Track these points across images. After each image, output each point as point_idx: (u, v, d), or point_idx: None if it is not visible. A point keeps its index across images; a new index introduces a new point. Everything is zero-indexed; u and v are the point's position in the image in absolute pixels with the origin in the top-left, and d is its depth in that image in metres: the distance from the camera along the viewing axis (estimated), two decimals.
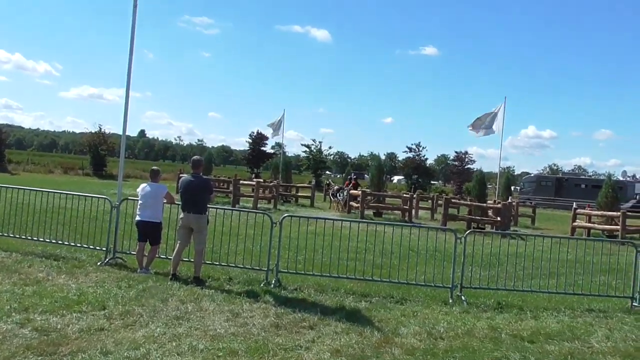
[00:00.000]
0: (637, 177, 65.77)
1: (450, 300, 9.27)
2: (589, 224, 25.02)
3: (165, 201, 10.09)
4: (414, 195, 30.42)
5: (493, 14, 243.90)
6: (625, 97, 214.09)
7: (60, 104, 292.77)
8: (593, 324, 8.41)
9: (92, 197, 11.89)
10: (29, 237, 11.09)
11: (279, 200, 30.22)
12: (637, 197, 54.87)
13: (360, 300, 8.82)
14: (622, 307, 9.63)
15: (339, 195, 29.71)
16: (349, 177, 33.58)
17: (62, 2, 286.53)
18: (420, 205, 31.35)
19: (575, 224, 24.72)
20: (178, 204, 9.66)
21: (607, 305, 9.69)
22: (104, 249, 10.42)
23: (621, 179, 60.05)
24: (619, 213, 23.25)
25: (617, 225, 22.86)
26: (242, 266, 10.15)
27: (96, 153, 55.26)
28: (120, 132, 11.25)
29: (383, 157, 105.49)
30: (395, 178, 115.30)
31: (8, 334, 6.02)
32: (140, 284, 8.67)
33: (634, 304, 9.66)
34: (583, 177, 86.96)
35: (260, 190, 28.51)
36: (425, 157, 77.32)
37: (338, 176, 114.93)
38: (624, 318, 8.89)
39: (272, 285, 9.31)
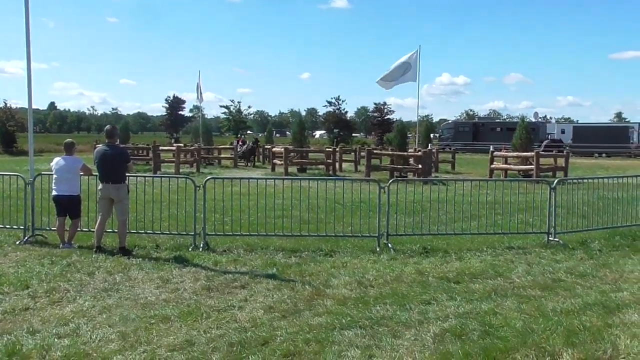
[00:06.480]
0: (548, 118, 68.71)
1: (378, 249, 9.46)
2: (506, 166, 26.13)
3: (82, 174, 9.77)
4: (337, 149, 30.71)
5: None
6: (532, 40, 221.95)
7: None
8: (513, 260, 8.79)
9: (2, 174, 11.34)
10: None
11: (202, 163, 29.85)
12: (549, 137, 57.60)
13: (290, 257, 8.87)
14: (540, 242, 10.09)
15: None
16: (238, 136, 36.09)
17: None
18: (343, 159, 31.71)
19: (493, 166, 25.72)
20: (96, 175, 9.36)
21: (526, 241, 10.14)
22: (22, 227, 10.02)
23: (533, 120, 62.67)
24: (533, 153, 24.32)
25: (532, 165, 23.93)
26: (168, 232, 10.02)
27: (4, 130, 52.50)
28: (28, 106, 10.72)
29: (304, 113, 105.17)
30: (317, 133, 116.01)
31: None
32: (64, 259, 8.41)
33: (549, 238, 10.16)
34: (498, 120, 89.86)
35: (182, 155, 28.06)
36: (345, 110, 77.85)
37: (260, 135, 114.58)
38: (542, 252, 9.34)
39: (200, 249, 9.24)
